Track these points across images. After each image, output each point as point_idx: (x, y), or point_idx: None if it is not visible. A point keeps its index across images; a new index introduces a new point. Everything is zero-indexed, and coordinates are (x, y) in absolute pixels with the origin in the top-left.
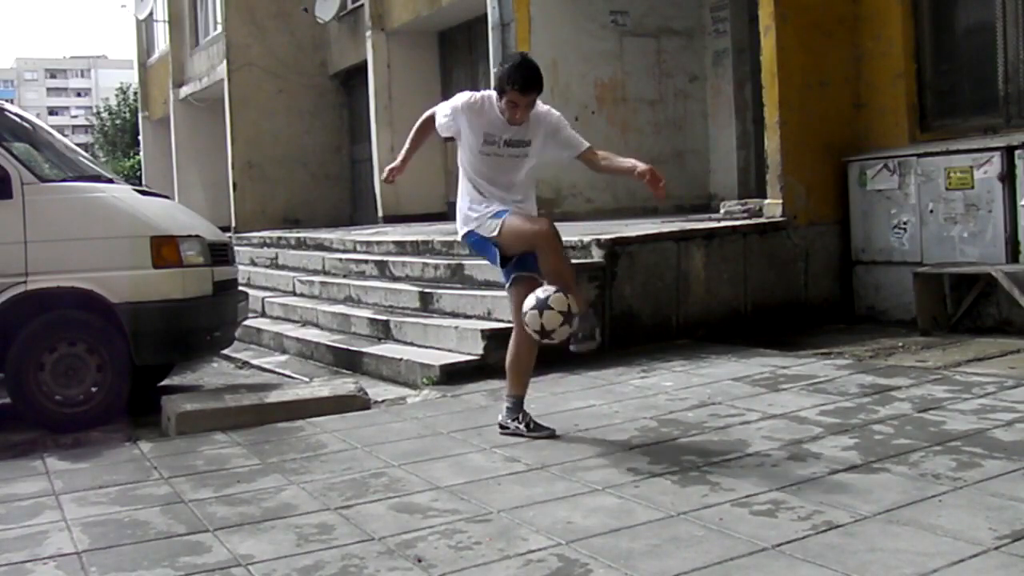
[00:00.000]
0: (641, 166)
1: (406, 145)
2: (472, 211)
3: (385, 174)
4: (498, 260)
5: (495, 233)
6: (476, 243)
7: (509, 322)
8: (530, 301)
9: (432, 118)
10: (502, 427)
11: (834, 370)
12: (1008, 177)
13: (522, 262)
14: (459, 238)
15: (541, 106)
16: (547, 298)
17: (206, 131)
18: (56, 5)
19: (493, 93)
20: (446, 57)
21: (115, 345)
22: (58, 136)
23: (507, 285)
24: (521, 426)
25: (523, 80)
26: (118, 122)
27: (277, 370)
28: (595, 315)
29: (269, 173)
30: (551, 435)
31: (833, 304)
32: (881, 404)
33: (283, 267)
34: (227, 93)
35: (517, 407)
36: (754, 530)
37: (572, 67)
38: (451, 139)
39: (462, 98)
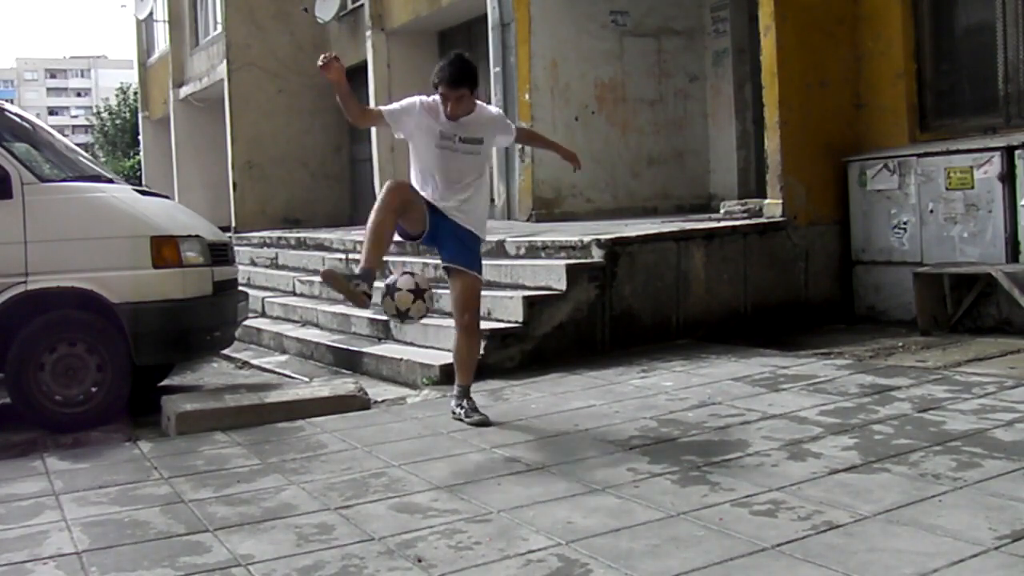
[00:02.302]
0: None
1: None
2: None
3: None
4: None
5: None
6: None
7: (509, 322)
8: (382, 290)
9: (378, 110)
10: (453, 414)
11: (834, 370)
12: (1008, 177)
13: (443, 248)
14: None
15: (491, 109)
16: (394, 282)
17: (206, 131)
18: (56, 5)
19: None
20: None
21: (115, 345)
22: (58, 136)
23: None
24: (460, 412)
25: (450, 76)
26: (118, 122)
27: (277, 370)
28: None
29: (269, 173)
30: (484, 422)
31: (833, 304)
32: (881, 404)
33: (283, 267)
34: (227, 93)
35: (463, 394)
36: (754, 530)
37: (572, 67)
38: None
39: (420, 98)
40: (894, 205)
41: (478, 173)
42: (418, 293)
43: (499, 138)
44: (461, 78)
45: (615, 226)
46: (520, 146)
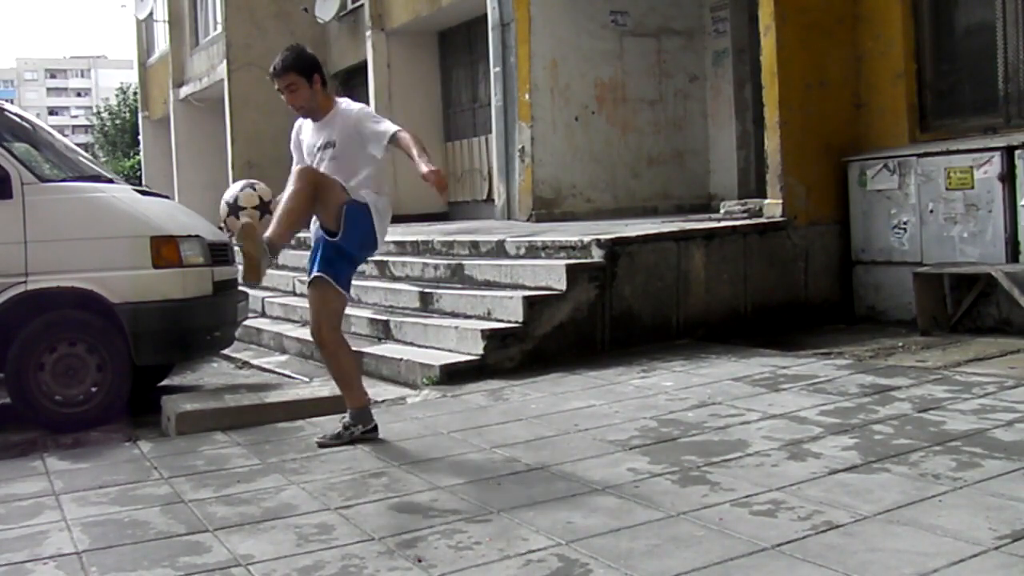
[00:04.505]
0: (425, 168)
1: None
2: None
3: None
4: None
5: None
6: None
7: (509, 322)
8: (223, 209)
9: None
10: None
11: (834, 370)
12: (1008, 177)
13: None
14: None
15: (346, 104)
16: (235, 199)
17: (206, 131)
18: (56, 5)
19: None
20: (446, 57)
21: (115, 345)
22: (58, 136)
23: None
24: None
25: (274, 65)
26: (118, 122)
27: (277, 370)
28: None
29: (269, 173)
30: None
31: (833, 304)
32: (881, 404)
33: (283, 267)
34: (227, 93)
35: (351, 417)
36: (754, 530)
37: (572, 67)
38: (451, 141)
39: (294, 128)
40: (894, 205)
41: (343, 178)
42: (263, 207)
43: (358, 140)
44: (286, 65)
45: (615, 226)
46: (520, 146)
